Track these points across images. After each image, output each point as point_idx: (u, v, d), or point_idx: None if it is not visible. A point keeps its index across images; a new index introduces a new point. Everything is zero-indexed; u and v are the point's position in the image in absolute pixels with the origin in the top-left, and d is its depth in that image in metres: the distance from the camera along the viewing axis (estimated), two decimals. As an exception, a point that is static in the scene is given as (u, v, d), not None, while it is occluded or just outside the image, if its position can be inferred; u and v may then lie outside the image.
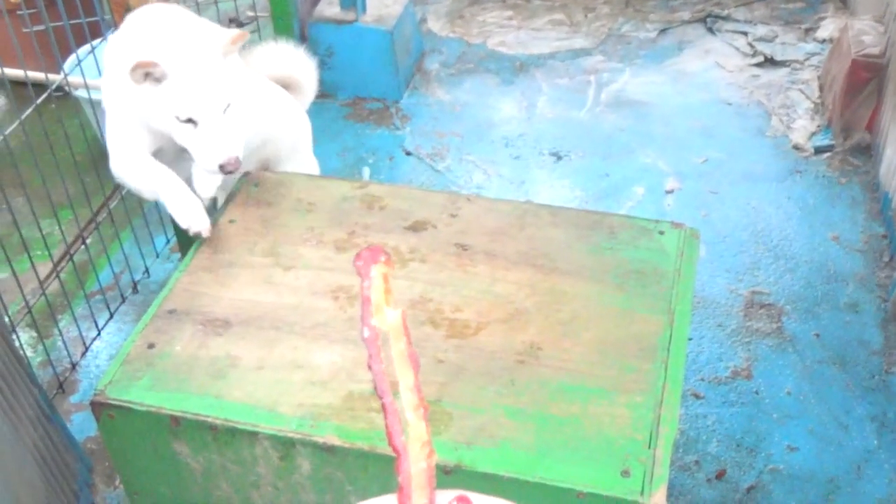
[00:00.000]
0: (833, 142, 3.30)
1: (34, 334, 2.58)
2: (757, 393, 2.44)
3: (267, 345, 1.59)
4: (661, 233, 1.82)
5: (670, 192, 3.14)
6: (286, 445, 1.46)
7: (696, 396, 2.43)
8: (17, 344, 2.17)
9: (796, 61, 3.76)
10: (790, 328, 2.62)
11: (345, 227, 1.84)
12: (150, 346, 1.60)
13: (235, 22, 3.95)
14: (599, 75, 3.75)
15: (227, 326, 1.63)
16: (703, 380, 2.48)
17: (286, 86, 2.29)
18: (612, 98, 3.61)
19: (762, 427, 2.35)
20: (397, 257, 1.77)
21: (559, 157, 3.30)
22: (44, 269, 2.58)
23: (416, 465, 0.56)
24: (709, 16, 4.08)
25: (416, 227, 1.84)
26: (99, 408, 1.52)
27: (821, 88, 3.57)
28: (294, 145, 2.26)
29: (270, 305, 1.67)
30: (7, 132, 2.04)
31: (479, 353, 1.57)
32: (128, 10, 2.25)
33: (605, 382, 1.52)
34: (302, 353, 1.57)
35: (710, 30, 4.00)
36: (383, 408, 0.56)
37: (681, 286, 1.71)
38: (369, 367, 0.55)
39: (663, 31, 4.02)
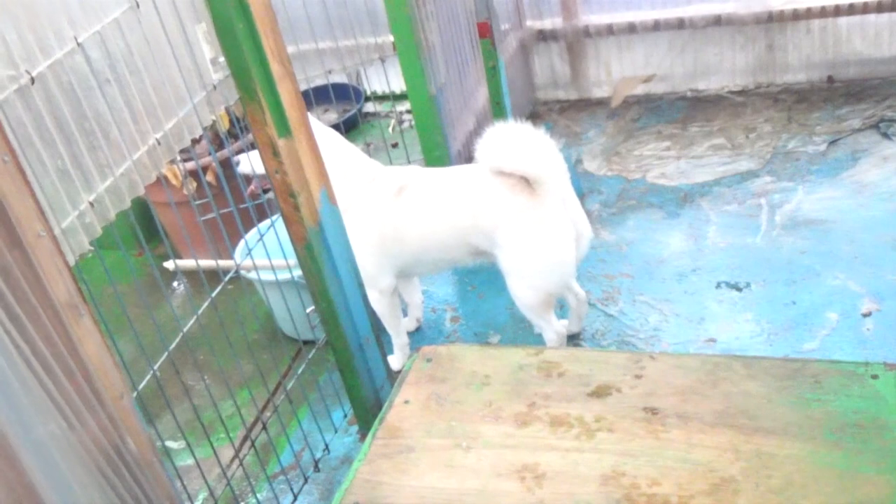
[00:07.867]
0: None
1: (221, 522, 2.58)
2: None
3: (453, 538, 1.49)
4: (875, 377, 1.64)
5: (867, 314, 2.89)
6: None
7: (935, 549, 2.14)
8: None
9: None
10: None
11: (524, 399, 1.75)
12: (334, 545, 1.53)
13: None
14: (770, 197, 3.57)
15: (410, 519, 1.54)
16: (939, 528, 2.19)
17: None
18: (788, 219, 3.42)
19: None
20: (582, 428, 1.65)
21: (738, 289, 3.12)
22: (224, 452, 2.58)
23: None
24: (882, 121, 3.86)
25: (600, 393, 1.73)
26: None
27: None
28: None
29: (454, 492, 1.58)
30: (185, 329, 2.08)
31: (686, 534, 1.42)
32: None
33: (837, 561, 1.34)
34: (491, 545, 1.47)
35: (885, 135, 3.78)
36: None
37: (908, 438, 1.51)
38: None
39: (833, 142, 3.82)
